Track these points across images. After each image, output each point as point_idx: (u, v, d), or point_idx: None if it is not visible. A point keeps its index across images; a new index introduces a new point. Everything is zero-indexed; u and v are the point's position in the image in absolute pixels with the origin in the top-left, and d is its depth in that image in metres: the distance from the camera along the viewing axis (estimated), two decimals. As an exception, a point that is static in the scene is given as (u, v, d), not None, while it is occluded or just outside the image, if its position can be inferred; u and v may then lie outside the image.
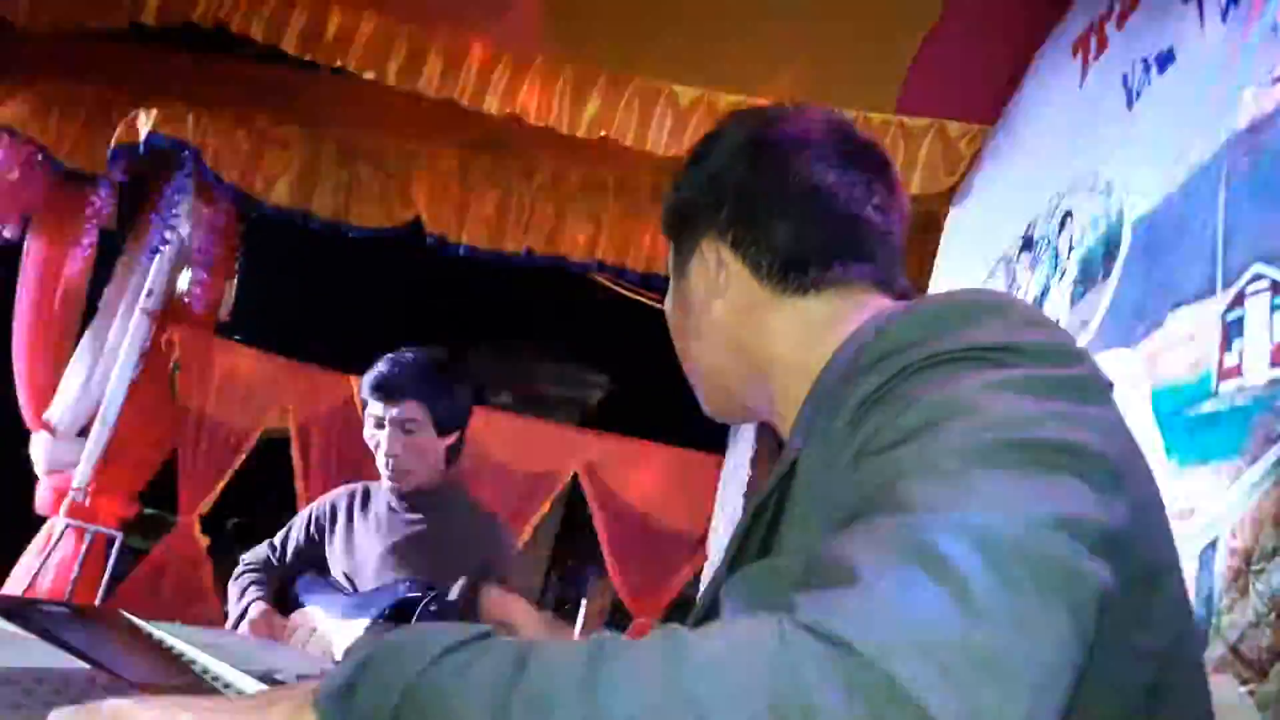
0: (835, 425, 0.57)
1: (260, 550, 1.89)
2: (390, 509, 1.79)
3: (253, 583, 1.79)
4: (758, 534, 0.64)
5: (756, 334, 0.76)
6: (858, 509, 0.49)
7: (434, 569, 1.69)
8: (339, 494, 1.90)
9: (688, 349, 0.83)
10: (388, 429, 1.71)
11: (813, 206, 0.75)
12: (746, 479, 3.50)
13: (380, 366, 1.76)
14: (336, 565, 1.80)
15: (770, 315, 0.76)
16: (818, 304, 0.75)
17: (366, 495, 1.86)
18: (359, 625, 1.58)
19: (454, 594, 1.61)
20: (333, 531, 1.83)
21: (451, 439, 1.77)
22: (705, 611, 0.68)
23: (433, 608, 1.56)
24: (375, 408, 1.73)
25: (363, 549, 1.78)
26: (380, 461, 1.74)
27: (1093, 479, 0.48)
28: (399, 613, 1.56)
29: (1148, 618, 0.53)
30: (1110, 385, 0.59)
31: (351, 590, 1.74)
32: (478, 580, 1.65)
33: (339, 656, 1.50)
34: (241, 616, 1.69)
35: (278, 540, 1.89)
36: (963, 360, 0.53)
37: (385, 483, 1.76)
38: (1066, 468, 0.48)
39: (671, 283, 0.84)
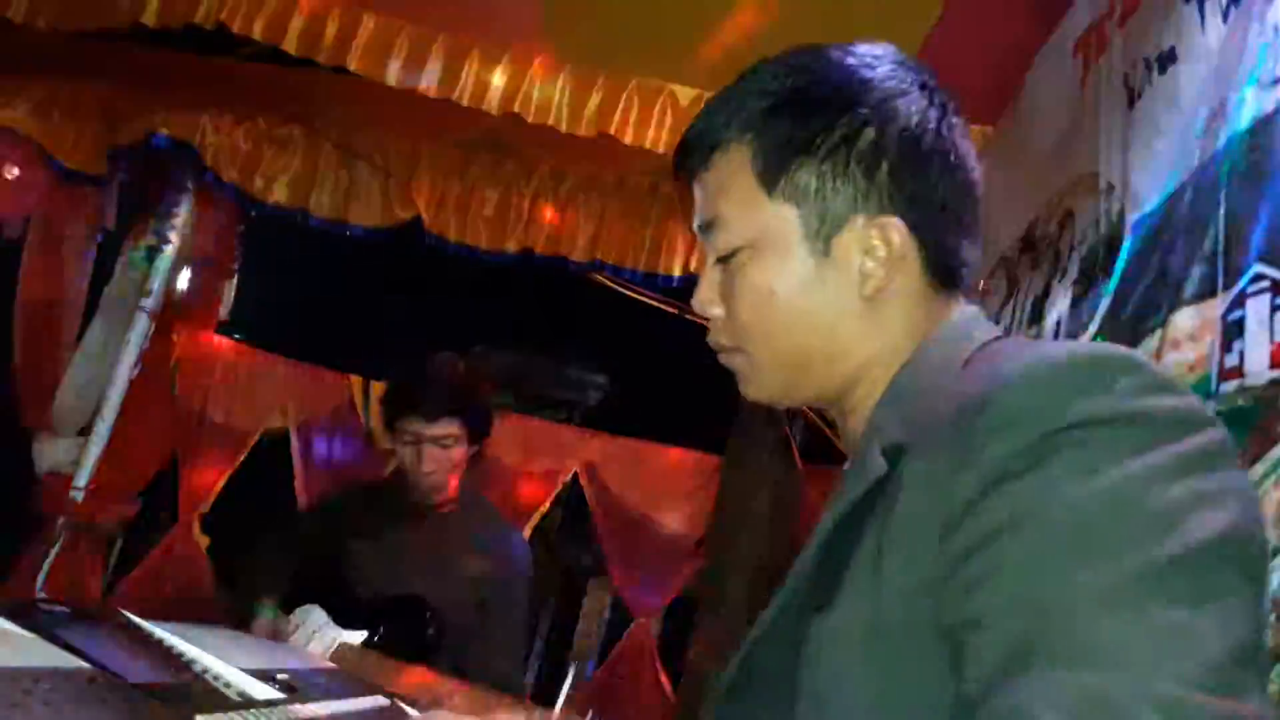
0: (946, 474, 0.55)
1: (274, 535, 1.88)
2: (407, 511, 1.78)
3: (264, 571, 1.78)
4: (832, 557, 0.62)
5: (880, 328, 0.72)
6: (990, 584, 0.49)
7: (443, 580, 1.69)
8: (354, 488, 1.89)
9: (775, 329, 0.74)
10: (426, 446, 1.68)
11: (973, 200, 0.74)
12: (747, 480, 3.50)
13: (411, 382, 1.72)
14: (348, 562, 1.79)
15: (908, 309, 0.72)
16: (936, 303, 0.74)
17: (379, 494, 1.84)
18: (359, 636, 1.58)
19: (457, 614, 1.61)
20: (344, 528, 1.82)
21: (475, 448, 1.77)
22: (769, 630, 0.65)
23: (431, 630, 1.56)
24: (412, 425, 1.70)
25: (371, 550, 1.78)
26: (414, 478, 1.71)
27: (1251, 577, 0.49)
28: (400, 631, 1.56)
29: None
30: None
31: (358, 593, 1.74)
32: (484, 599, 1.65)
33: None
34: (249, 609, 1.69)
35: (292, 525, 1.88)
36: (1103, 435, 0.52)
37: (412, 489, 1.74)
38: (1231, 585, 0.47)
39: (760, 239, 0.73)
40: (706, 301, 0.79)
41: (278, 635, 1.63)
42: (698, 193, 0.78)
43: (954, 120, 0.74)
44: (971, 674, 0.49)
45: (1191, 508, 0.48)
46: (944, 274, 0.74)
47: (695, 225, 0.79)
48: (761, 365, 0.76)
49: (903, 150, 0.71)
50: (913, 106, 0.72)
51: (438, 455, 1.69)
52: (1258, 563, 0.50)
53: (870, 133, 0.71)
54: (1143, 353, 1.24)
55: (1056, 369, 0.56)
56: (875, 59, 0.74)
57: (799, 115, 0.72)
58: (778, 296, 0.73)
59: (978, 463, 0.54)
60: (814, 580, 0.63)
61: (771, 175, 0.72)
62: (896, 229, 0.71)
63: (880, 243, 0.71)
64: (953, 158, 0.73)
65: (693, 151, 0.78)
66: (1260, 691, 0.46)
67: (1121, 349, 0.60)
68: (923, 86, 0.74)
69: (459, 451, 1.71)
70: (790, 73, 0.74)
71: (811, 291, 0.72)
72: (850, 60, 0.74)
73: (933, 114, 0.72)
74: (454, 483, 1.74)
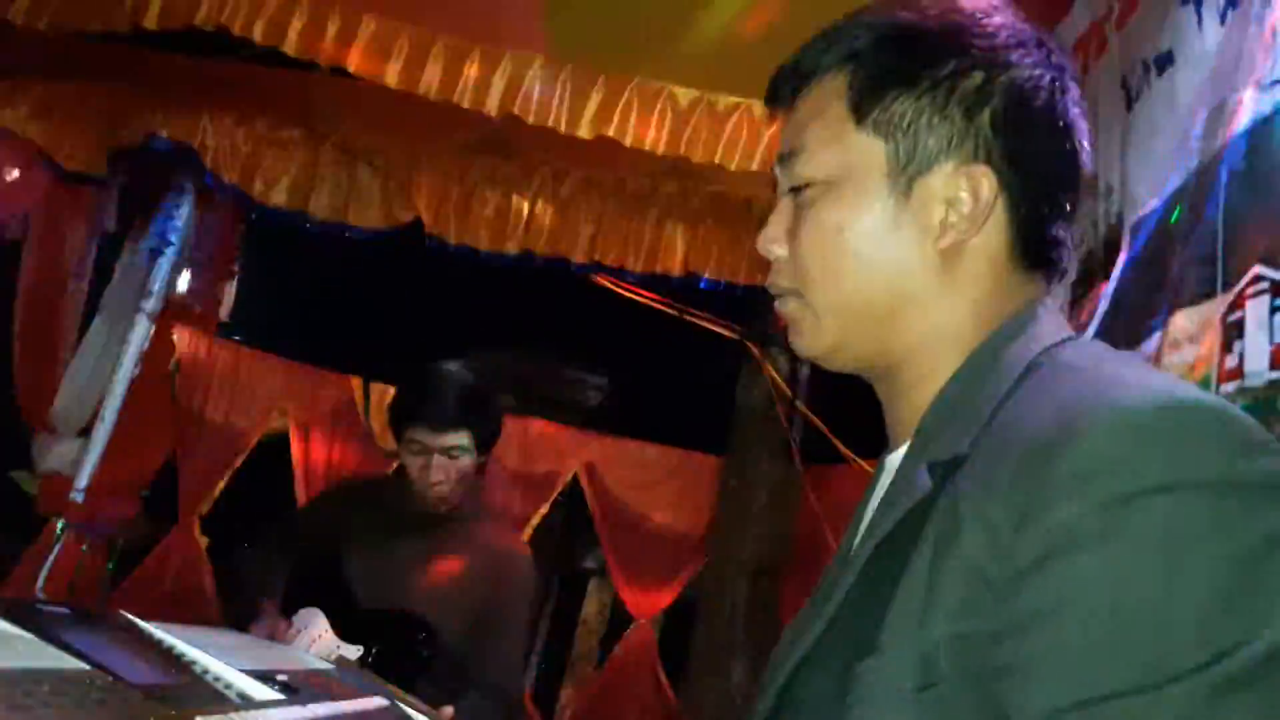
0: (1005, 519, 0.50)
1: (275, 532, 1.87)
2: (409, 518, 1.76)
3: (264, 570, 1.77)
4: (868, 572, 0.58)
5: (951, 293, 0.65)
6: (1050, 668, 0.46)
7: (444, 589, 1.68)
8: (354, 489, 1.87)
9: (840, 273, 0.67)
10: (435, 458, 1.66)
11: (1076, 176, 0.67)
12: (747, 480, 3.50)
13: (421, 392, 1.70)
14: (345, 566, 1.78)
15: (984, 279, 0.65)
16: (1016, 283, 0.66)
17: (383, 495, 1.82)
18: (354, 650, 1.58)
19: (455, 628, 1.60)
20: (344, 529, 1.81)
21: (483, 456, 1.75)
22: (806, 659, 0.60)
23: (425, 651, 1.55)
24: (419, 435, 1.67)
25: (371, 555, 1.76)
26: (420, 488, 1.69)
27: None
28: (394, 650, 1.55)
29: None
30: None
31: (358, 598, 1.73)
32: (482, 613, 1.64)
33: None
34: (249, 609, 1.69)
35: (293, 524, 1.87)
36: (1185, 506, 0.46)
37: (417, 498, 1.72)
38: None
39: (841, 173, 0.67)
40: (771, 240, 0.72)
41: (277, 637, 1.63)
42: (785, 127, 0.72)
43: (1070, 87, 0.67)
44: None
45: (1270, 609, 0.43)
46: (1031, 249, 0.66)
47: (775, 159, 0.73)
48: (818, 311, 0.68)
49: (1009, 101, 0.64)
50: (1028, 60, 0.65)
51: (446, 466, 1.67)
52: None
53: (978, 75, 0.64)
54: (1141, 355, 1.24)
55: (1137, 420, 0.50)
56: (994, 9, 0.68)
57: (903, 49, 0.66)
58: (845, 235, 0.66)
59: (1043, 519, 0.48)
60: (857, 606, 0.58)
61: (864, 105, 0.66)
62: (987, 180, 0.64)
63: (967, 193, 0.64)
64: (1061, 124, 0.66)
65: (785, 82, 0.73)
66: None
67: (1210, 398, 0.53)
68: (1040, 44, 0.67)
69: (467, 462, 1.69)
70: (899, 10, 0.68)
71: (883, 235, 0.65)
72: (966, 6, 0.68)
73: (1048, 75, 0.66)
74: (461, 492, 1.72)
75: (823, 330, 0.69)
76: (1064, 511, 0.48)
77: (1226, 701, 0.42)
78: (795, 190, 0.70)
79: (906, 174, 0.65)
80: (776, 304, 0.73)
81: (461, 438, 1.67)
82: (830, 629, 0.59)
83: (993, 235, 0.66)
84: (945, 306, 0.66)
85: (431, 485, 1.67)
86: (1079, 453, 0.49)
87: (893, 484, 0.63)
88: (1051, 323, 0.66)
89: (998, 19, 0.67)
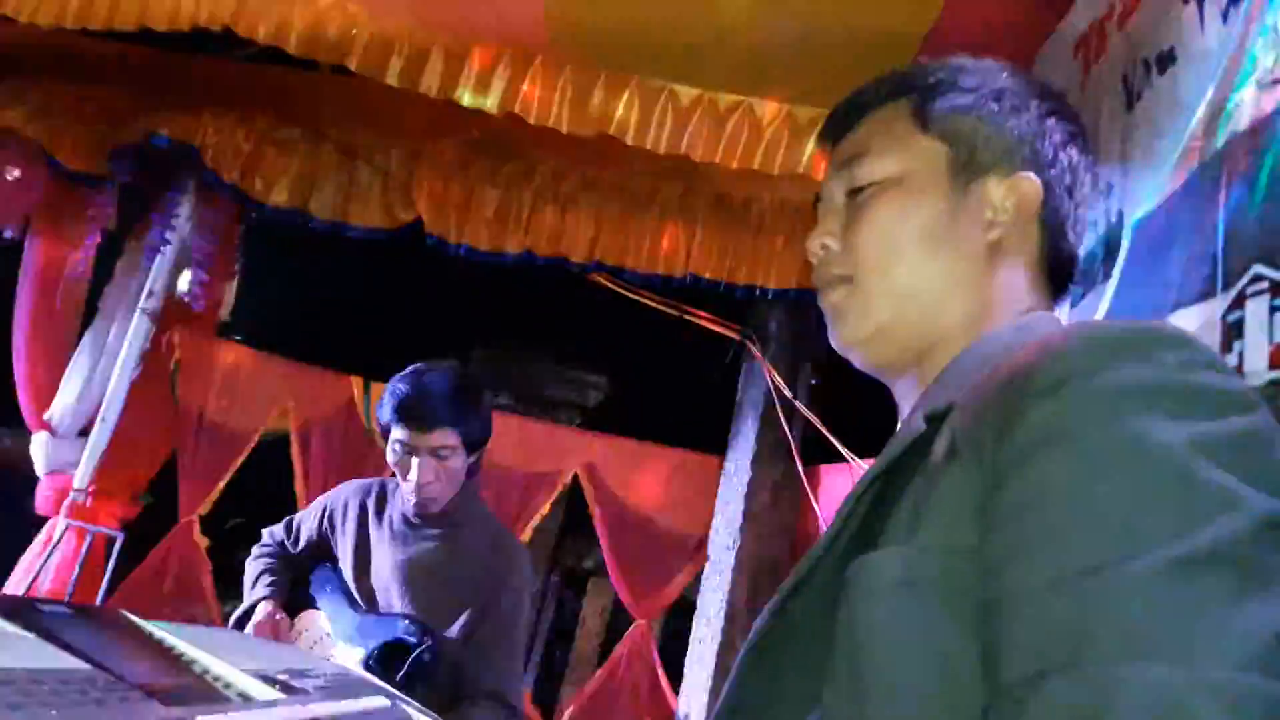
0: (991, 438, 0.55)
1: (276, 532, 1.86)
2: (405, 521, 1.75)
3: (265, 570, 1.76)
4: (863, 508, 0.63)
5: (985, 287, 0.73)
6: (1029, 555, 0.49)
7: (442, 592, 1.67)
8: (353, 490, 1.85)
9: (898, 258, 0.74)
10: (420, 457, 1.63)
11: (1085, 222, 0.79)
12: (747, 480, 3.50)
13: (405, 390, 1.66)
14: (346, 568, 1.78)
15: (1012, 279, 0.74)
16: (1029, 288, 0.75)
17: (382, 497, 1.80)
18: (356, 655, 1.57)
19: (454, 631, 1.59)
20: (345, 531, 1.80)
21: (474, 457, 1.72)
22: (801, 582, 0.65)
23: (426, 657, 1.54)
24: (403, 434, 1.64)
25: (373, 558, 1.76)
26: (407, 488, 1.67)
27: None
28: (393, 653, 1.55)
29: None
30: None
31: (358, 602, 1.73)
32: (481, 617, 1.63)
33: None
34: (250, 609, 1.68)
35: (293, 525, 1.87)
36: (1147, 405, 0.51)
37: (408, 499, 1.71)
38: (1277, 568, 0.46)
39: (906, 172, 0.75)
40: (826, 234, 0.78)
41: (277, 638, 1.63)
42: (845, 144, 0.80)
43: (1089, 152, 0.79)
44: (1011, 659, 0.48)
45: (1236, 491, 0.47)
46: (1055, 264, 0.76)
47: (835, 166, 0.80)
48: (868, 296, 0.74)
49: (1051, 137, 0.76)
50: (1062, 111, 0.78)
51: (434, 467, 1.64)
52: None
53: (1032, 105, 0.76)
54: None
55: (1104, 337, 0.56)
56: (1037, 79, 0.81)
57: (961, 77, 0.77)
58: (908, 223, 0.74)
59: (1020, 427, 0.53)
60: (851, 535, 0.63)
61: (929, 114, 0.76)
62: (1034, 187, 0.74)
63: (1015, 197, 0.74)
64: (1081, 171, 0.77)
65: (846, 113, 0.80)
66: None
67: (1175, 326, 0.59)
68: (1070, 109, 0.80)
69: (456, 462, 1.65)
70: (956, 63, 0.79)
71: (941, 227, 0.73)
72: (1011, 69, 0.80)
73: (1076, 129, 0.78)
74: (451, 493, 1.70)
75: (872, 312, 0.74)
76: (1037, 415, 0.53)
77: (1188, 574, 0.45)
78: (853, 193, 0.77)
79: (967, 174, 0.74)
80: (821, 297, 0.78)
81: (448, 437, 1.63)
82: (825, 553, 0.64)
83: (1028, 240, 0.75)
84: (977, 299, 0.73)
85: (420, 486, 1.64)
86: (1050, 364, 0.55)
87: (892, 439, 0.68)
88: (1050, 321, 0.74)
89: (1041, 81, 0.80)
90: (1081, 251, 0.79)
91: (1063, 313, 0.83)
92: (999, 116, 0.75)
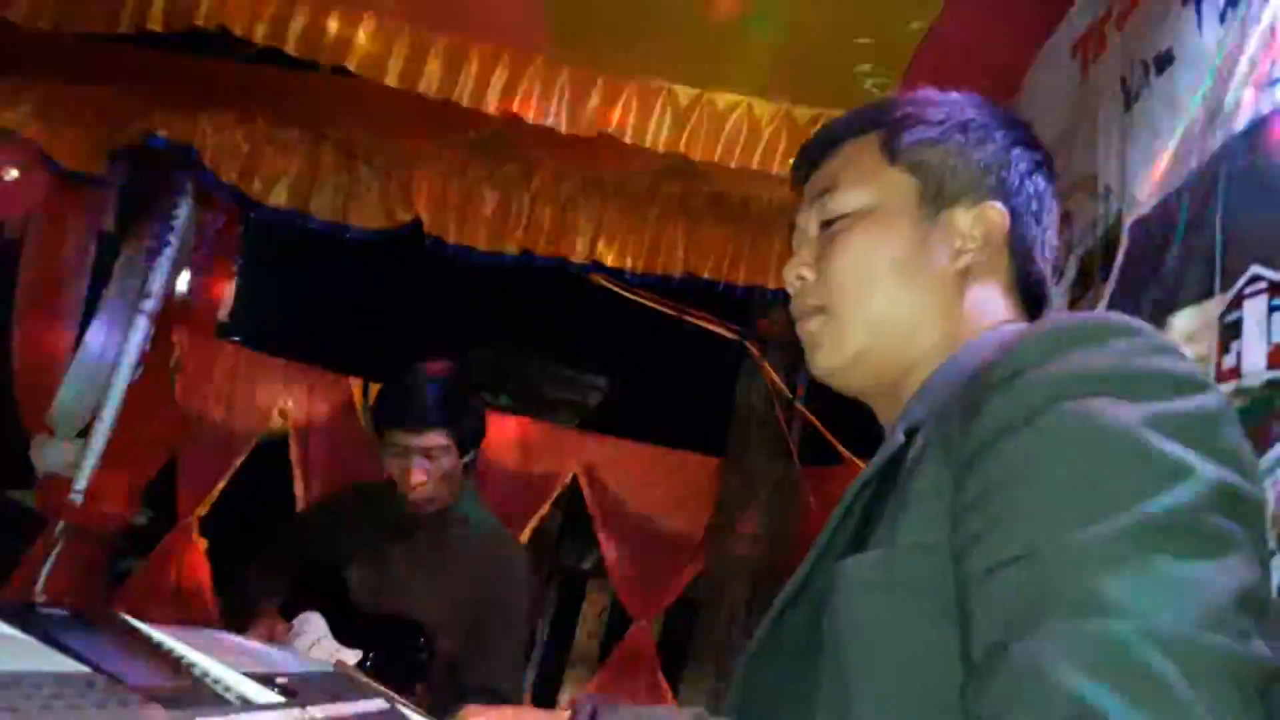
0: (957, 435, 0.58)
1: (275, 533, 1.87)
2: (404, 521, 1.75)
3: (263, 571, 1.77)
4: (852, 520, 0.65)
5: (957, 312, 0.76)
6: (993, 536, 0.51)
7: (441, 592, 1.68)
8: (352, 491, 1.87)
9: (871, 287, 0.77)
10: (414, 459, 1.65)
11: (1054, 234, 0.82)
12: (747, 481, 3.50)
13: (396, 393, 1.69)
14: (345, 569, 1.79)
15: (984, 303, 0.76)
16: (1001, 310, 0.77)
17: (381, 498, 1.82)
18: (353, 654, 1.58)
19: (452, 632, 1.59)
20: (343, 532, 1.81)
21: (469, 457, 1.73)
22: (798, 590, 0.67)
23: (424, 658, 1.55)
24: (397, 437, 1.66)
25: (372, 558, 1.76)
26: (403, 489, 1.68)
27: (1248, 528, 0.50)
28: (392, 655, 1.55)
29: None
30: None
31: (357, 603, 1.73)
32: (479, 617, 1.64)
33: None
34: (248, 611, 1.69)
35: (292, 526, 1.87)
36: (1100, 389, 0.53)
37: (406, 500, 1.72)
38: (1228, 536, 0.48)
39: (877, 204, 0.78)
40: (801, 264, 0.80)
41: (276, 640, 1.63)
42: (814, 178, 0.82)
43: (1048, 169, 0.83)
44: (979, 635, 0.50)
45: (1187, 462, 0.49)
46: (1026, 287, 0.79)
47: (808, 199, 0.82)
48: (846, 323, 0.77)
49: (1017, 166, 0.79)
50: (1026, 141, 0.81)
51: (426, 467, 1.65)
52: (1253, 516, 0.51)
53: (998, 136, 0.79)
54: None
55: (1057, 330, 0.59)
56: (1001, 111, 0.84)
57: (929, 110, 0.80)
58: (880, 253, 0.76)
59: (979, 420, 0.56)
60: (842, 545, 0.65)
61: (897, 147, 0.78)
62: (1000, 215, 0.77)
63: (983, 224, 0.76)
64: (1047, 198, 0.81)
65: (816, 147, 0.83)
66: (1263, 637, 0.46)
67: (1123, 316, 0.62)
68: (1034, 138, 0.84)
69: (448, 462, 1.67)
70: (922, 98, 0.83)
71: (912, 255, 0.76)
72: (976, 101, 0.84)
73: (1040, 158, 0.82)
74: (447, 494, 1.71)
75: (847, 340, 0.77)
76: (994, 406, 0.55)
77: (1144, 539, 0.47)
78: (826, 225, 0.80)
79: (936, 204, 0.77)
80: (799, 325, 0.82)
81: (440, 438, 1.65)
82: (818, 563, 0.67)
83: (997, 267, 0.78)
84: (949, 324, 0.75)
85: (412, 487, 1.65)
86: (1005, 362, 0.57)
87: (876, 455, 0.71)
88: (1018, 329, 0.77)
89: (1006, 112, 0.84)
90: (1049, 272, 0.82)
91: (1060, 309, 0.85)
92: (966, 147, 0.78)
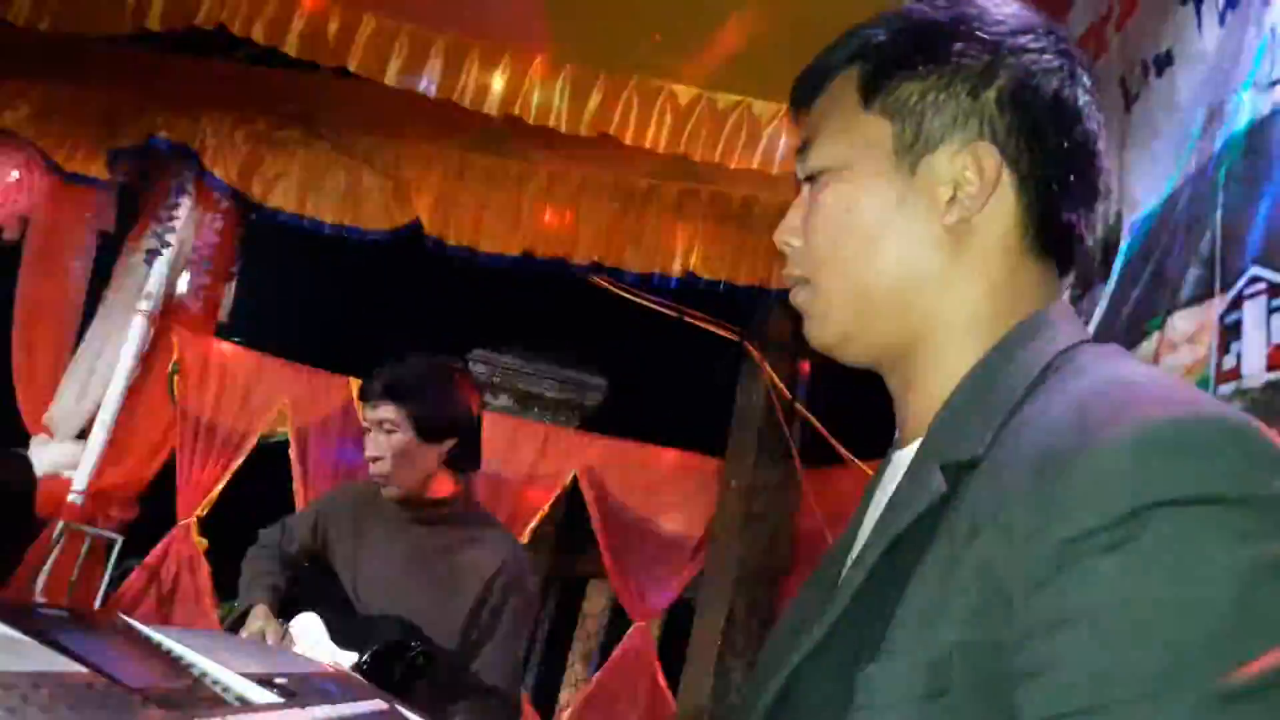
0: (1029, 533, 0.49)
1: (272, 533, 1.87)
2: (401, 521, 1.75)
3: (261, 572, 1.77)
4: (877, 577, 0.57)
5: (959, 275, 0.65)
6: (1058, 676, 0.46)
7: (438, 592, 1.68)
8: (350, 491, 1.87)
9: (847, 257, 0.67)
10: (370, 432, 1.73)
11: (1090, 163, 0.66)
12: (747, 481, 3.50)
13: (372, 372, 1.78)
14: (342, 569, 1.78)
15: (993, 262, 0.65)
16: (1030, 274, 0.65)
17: (378, 498, 1.82)
18: (350, 656, 1.58)
19: (450, 632, 1.60)
20: (340, 532, 1.81)
21: (443, 447, 1.73)
22: (815, 651, 0.59)
23: (421, 659, 1.55)
24: (362, 411, 1.78)
25: (369, 559, 1.76)
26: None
27: None
28: (389, 655, 1.55)
29: None
30: None
31: (354, 604, 1.73)
32: (477, 617, 1.64)
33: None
34: (245, 612, 1.68)
35: (289, 526, 1.87)
36: (1201, 519, 0.46)
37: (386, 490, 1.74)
38: None
39: (850, 158, 0.67)
40: (787, 230, 0.71)
41: (274, 642, 1.62)
42: (805, 122, 0.72)
43: (1082, 75, 0.66)
44: None
45: None
46: (1042, 232, 0.65)
47: (798, 148, 0.72)
48: (827, 297, 0.68)
49: (1015, 81, 0.64)
50: (1034, 44, 0.66)
51: (379, 440, 1.71)
52: None
53: (984, 57, 0.65)
54: (1139, 355, 1.24)
55: (1157, 431, 0.49)
56: (1006, 9, 0.68)
57: (911, 37, 0.67)
58: (852, 216, 0.66)
59: (1060, 529, 0.48)
60: (865, 605, 0.57)
61: (872, 89, 0.67)
62: (990, 156, 0.64)
63: (972, 170, 0.64)
64: (1069, 107, 0.65)
65: (804, 84, 0.73)
66: None
67: (1235, 414, 0.52)
68: (1049, 32, 0.67)
69: (401, 440, 1.70)
70: (909, 10, 0.69)
71: (890, 212, 0.65)
72: (976, 3, 0.68)
73: (1055, 59, 0.65)
74: (409, 477, 1.72)
75: (832, 316, 0.68)
76: (1079, 522, 0.47)
77: (1231, 711, 0.42)
78: (810, 180, 0.70)
79: (913, 152, 0.65)
80: (790, 295, 0.72)
81: (387, 411, 1.71)
82: (835, 630, 0.58)
83: (1001, 215, 0.65)
84: (956, 290, 0.65)
85: (368, 460, 1.71)
86: (1097, 464, 0.49)
87: (903, 483, 0.62)
88: (1068, 324, 0.65)
89: (1006, 9, 0.67)
90: (1082, 211, 0.66)
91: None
92: (955, 75, 0.65)
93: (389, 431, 1.71)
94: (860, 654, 0.54)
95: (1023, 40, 0.65)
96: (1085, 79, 0.67)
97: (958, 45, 0.65)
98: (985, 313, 0.65)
